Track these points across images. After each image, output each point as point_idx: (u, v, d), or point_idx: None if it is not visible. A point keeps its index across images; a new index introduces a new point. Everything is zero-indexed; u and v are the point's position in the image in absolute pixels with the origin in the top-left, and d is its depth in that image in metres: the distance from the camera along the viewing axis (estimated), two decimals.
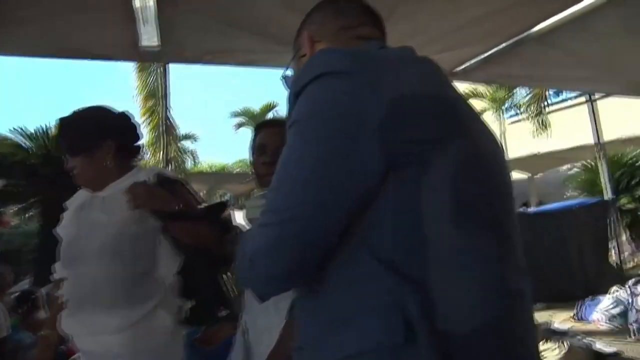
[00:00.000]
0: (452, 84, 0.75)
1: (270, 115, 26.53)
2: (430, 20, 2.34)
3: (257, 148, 1.32)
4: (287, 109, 0.71)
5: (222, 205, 1.41)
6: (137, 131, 1.51)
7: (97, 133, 1.40)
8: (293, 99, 0.68)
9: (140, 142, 1.51)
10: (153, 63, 9.90)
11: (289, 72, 0.91)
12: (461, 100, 0.72)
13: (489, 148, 0.72)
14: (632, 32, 2.69)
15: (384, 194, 0.62)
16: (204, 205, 1.43)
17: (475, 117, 0.73)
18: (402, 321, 0.58)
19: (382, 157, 0.62)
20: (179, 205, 1.27)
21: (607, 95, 6.60)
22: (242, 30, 2.41)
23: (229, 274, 1.36)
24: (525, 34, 2.68)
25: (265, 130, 1.35)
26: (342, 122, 0.63)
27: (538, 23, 2.60)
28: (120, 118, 1.48)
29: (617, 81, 3.59)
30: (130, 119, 1.49)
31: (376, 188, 0.63)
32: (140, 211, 1.30)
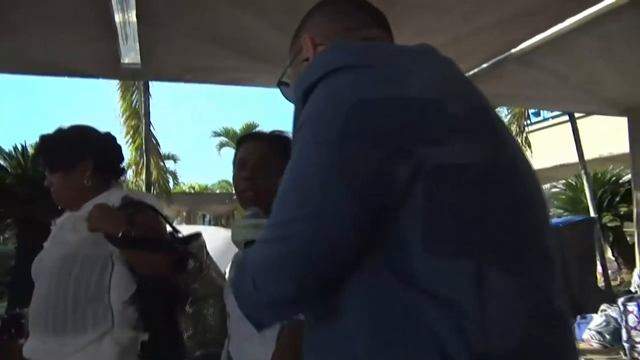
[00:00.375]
0: (477, 88, 0.67)
1: None
2: (413, 38, 2.35)
3: (237, 162, 1.23)
4: (294, 112, 0.64)
5: (193, 237, 1.34)
6: (119, 152, 1.47)
7: (75, 151, 1.39)
8: (301, 101, 0.62)
9: (122, 164, 1.47)
10: (135, 82, 9.83)
11: (286, 79, 0.85)
12: (487, 107, 0.65)
13: (517, 158, 0.64)
14: (610, 53, 2.74)
15: (406, 206, 0.55)
16: (179, 234, 1.36)
17: (502, 126, 0.66)
18: (438, 351, 0.51)
19: (400, 162, 0.55)
20: (133, 230, 1.20)
21: (587, 114, 6.74)
22: (224, 48, 2.39)
23: (186, 309, 1.28)
24: (507, 53, 2.72)
25: (246, 143, 1.26)
26: (351, 124, 0.56)
27: (519, 43, 2.64)
28: (102, 138, 1.46)
29: (595, 100, 3.66)
30: (112, 140, 1.47)
31: (395, 200, 0.55)
32: (98, 234, 1.24)
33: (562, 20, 2.36)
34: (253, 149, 1.23)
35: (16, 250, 7.32)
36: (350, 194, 0.55)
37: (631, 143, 4.06)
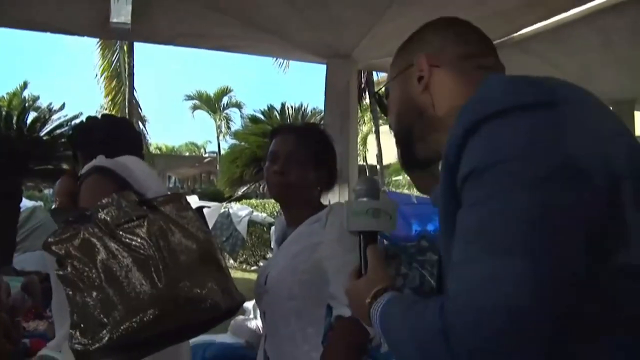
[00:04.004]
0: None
1: (225, 100, 25.46)
2: (424, 18, 2.30)
3: (269, 155, 1.23)
4: (452, 146, 0.57)
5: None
6: (100, 134, 1.37)
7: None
8: (463, 135, 0.56)
9: (110, 143, 1.32)
10: (117, 42, 9.41)
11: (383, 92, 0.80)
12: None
13: None
14: (608, 46, 2.75)
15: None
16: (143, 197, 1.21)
17: None
18: None
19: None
20: (58, 201, 1.15)
21: None
22: (220, 13, 2.29)
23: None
24: (506, 37, 2.69)
25: (279, 136, 1.25)
26: (567, 166, 0.53)
27: (517, 31, 2.62)
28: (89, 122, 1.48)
29: (592, 93, 3.69)
30: (98, 124, 1.45)
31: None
32: None
33: (566, 10, 2.35)
34: (284, 142, 1.22)
35: None
36: (586, 241, 0.51)
37: None
